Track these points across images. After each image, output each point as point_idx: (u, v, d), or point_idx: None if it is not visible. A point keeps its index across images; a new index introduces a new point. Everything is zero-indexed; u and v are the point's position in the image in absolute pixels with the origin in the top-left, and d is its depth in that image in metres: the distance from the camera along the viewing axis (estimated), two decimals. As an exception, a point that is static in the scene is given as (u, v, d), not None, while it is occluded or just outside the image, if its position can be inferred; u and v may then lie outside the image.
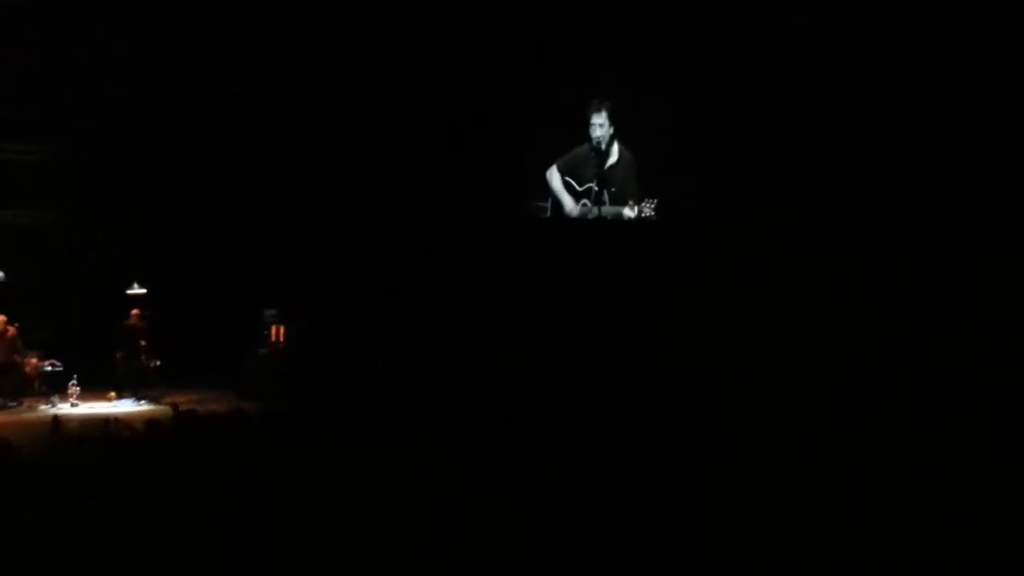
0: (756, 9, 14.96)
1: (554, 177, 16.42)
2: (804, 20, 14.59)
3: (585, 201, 16.31)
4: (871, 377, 10.99)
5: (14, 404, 13.55)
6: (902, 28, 14.11)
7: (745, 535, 4.99)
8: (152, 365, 14.39)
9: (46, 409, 13.38)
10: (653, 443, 6.53)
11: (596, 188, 16.25)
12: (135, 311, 14.48)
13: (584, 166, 16.34)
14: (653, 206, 15.88)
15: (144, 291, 15.19)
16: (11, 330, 13.99)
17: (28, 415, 13.03)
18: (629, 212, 16.07)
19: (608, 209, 16.22)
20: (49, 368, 14.07)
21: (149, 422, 6.90)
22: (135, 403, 13.89)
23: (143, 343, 14.35)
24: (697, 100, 15.78)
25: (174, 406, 10.15)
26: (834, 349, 12.75)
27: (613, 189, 16.22)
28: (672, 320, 14.52)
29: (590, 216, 16.29)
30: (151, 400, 13.96)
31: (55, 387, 13.81)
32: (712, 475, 5.79)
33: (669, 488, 5.49)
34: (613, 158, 16.23)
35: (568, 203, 16.37)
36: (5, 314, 14.00)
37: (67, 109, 15.30)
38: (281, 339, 15.41)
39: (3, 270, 15.21)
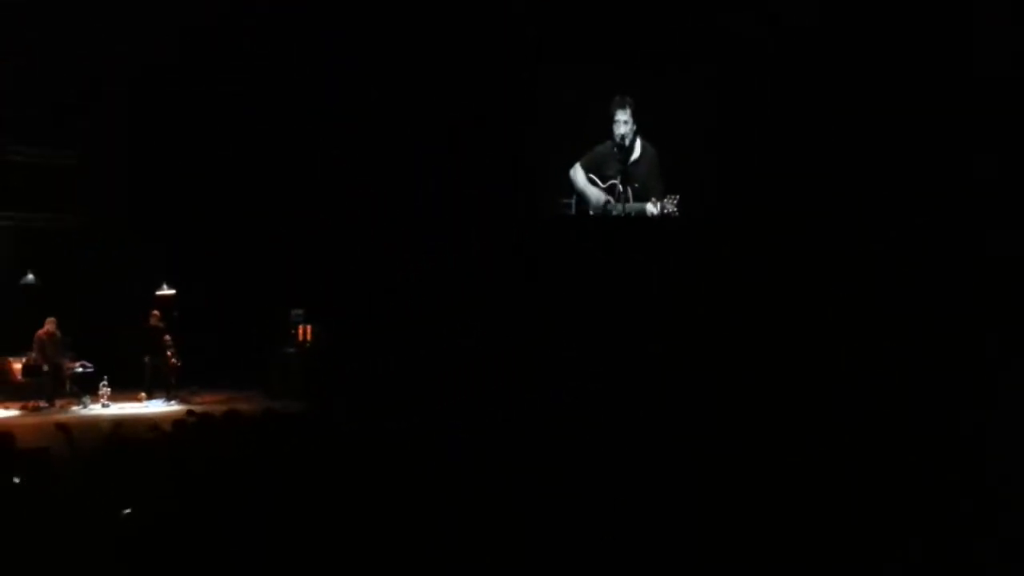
0: (756, 9, 14.91)
1: (578, 174, 16.44)
2: (804, 20, 14.53)
3: (609, 198, 16.33)
4: (871, 377, 10.92)
5: (46, 405, 13.72)
6: (902, 28, 14.03)
7: (745, 535, 4.99)
8: (174, 364, 14.54)
9: (78, 410, 13.57)
10: (653, 443, 6.53)
11: (620, 185, 16.27)
12: (155, 312, 14.63)
13: (607, 163, 16.37)
14: (676, 202, 15.90)
15: (173, 292, 15.36)
16: (58, 332, 14.22)
17: (60, 416, 13.18)
18: (652, 208, 16.09)
19: (632, 205, 16.24)
20: (80, 369, 14.25)
21: (176, 423, 6.99)
22: (165, 403, 14.04)
23: (167, 343, 14.50)
24: (696, 100, 15.84)
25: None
26: (834, 349, 12.67)
27: (636, 185, 16.25)
28: (674, 319, 14.47)
29: (614, 213, 16.31)
30: (181, 400, 14.10)
31: (86, 388, 13.99)
32: (712, 475, 5.79)
33: (669, 488, 5.49)
34: (636, 154, 16.24)
35: (592, 200, 16.39)
36: (37, 316, 14.19)
37: (89, 110, 15.42)
38: (308, 338, 15.53)
39: (32, 272, 15.42)
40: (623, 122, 16.19)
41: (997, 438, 7.11)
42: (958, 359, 11.29)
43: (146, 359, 14.31)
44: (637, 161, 16.24)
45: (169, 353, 14.48)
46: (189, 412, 7.83)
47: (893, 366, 11.51)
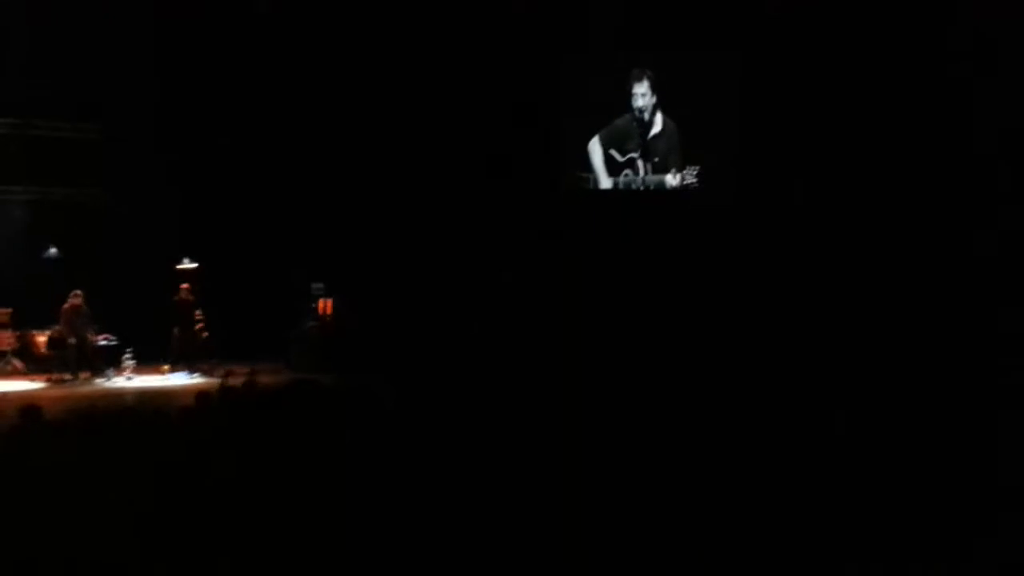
0: None
1: (595, 148, 16.39)
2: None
3: (627, 171, 16.28)
4: (870, 377, 10.84)
5: (71, 378, 13.87)
6: (926, 10, 13.88)
7: (745, 535, 5.00)
8: (203, 336, 14.68)
9: (101, 383, 13.71)
10: (653, 442, 6.52)
11: (639, 159, 16.21)
12: (185, 285, 14.75)
13: (626, 136, 16.29)
14: (696, 173, 15.82)
15: (195, 265, 15.47)
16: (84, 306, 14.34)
17: (83, 388, 13.34)
18: (672, 180, 16.02)
19: (650, 178, 16.17)
20: (104, 342, 14.39)
21: (200, 394, 7.09)
22: (188, 376, 14.17)
23: (196, 316, 14.63)
24: (716, 80, 15.73)
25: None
26: (833, 349, 12.58)
27: (656, 159, 16.17)
28: (681, 306, 14.39)
29: (633, 186, 16.27)
30: (204, 373, 14.22)
31: (109, 361, 14.12)
32: (712, 475, 5.79)
33: (669, 487, 5.50)
34: (656, 128, 16.15)
35: (610, 174, 16.34)
36: (59, 290, 14.31)
37: (111, 84, 15.47)
38: (328, 312, 15.62)
39: (56, 247, 15.54)
40: (641, 95, 16.09)
41: (997, 438, 7.09)
42: (958, 359, 11.21)
43: (175, 331, 14.45)
44: (657, 135, 16.15)
45: (199, 326, 14.64)
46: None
47: (892, 366, 11.42)
